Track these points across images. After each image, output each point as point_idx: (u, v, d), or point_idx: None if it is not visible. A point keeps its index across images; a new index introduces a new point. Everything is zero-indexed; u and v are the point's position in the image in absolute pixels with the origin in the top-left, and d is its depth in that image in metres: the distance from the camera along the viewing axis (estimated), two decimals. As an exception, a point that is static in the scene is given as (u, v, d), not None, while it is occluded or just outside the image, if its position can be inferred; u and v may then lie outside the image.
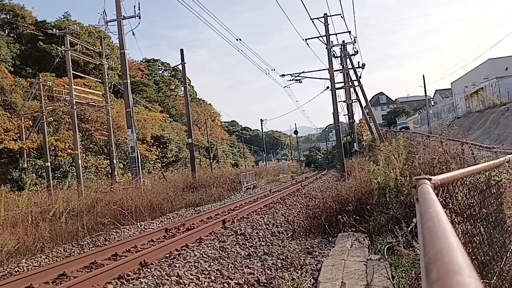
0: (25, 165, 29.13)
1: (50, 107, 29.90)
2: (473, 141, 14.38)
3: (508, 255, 3.64)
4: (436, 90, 73.53)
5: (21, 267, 8.63)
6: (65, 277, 7.46)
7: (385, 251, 6.41)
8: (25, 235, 10.55)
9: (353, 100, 38.62)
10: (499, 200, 3.88)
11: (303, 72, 33.60)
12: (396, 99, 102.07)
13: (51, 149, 29.55)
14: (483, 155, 7.92)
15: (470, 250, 2.87)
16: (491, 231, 3.43)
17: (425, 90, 46.53)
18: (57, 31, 26.29)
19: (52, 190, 18.79)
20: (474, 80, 43.90)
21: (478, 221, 3.24)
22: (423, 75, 46.94)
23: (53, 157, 29.93)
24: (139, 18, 20.38)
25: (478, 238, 3.12)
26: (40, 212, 12.77)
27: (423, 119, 51.48)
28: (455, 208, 2.96)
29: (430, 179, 2.08)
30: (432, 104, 60.60)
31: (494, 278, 3.09)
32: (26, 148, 29.40)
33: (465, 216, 3.12)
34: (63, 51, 25.20)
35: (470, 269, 0.69)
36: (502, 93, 31.81)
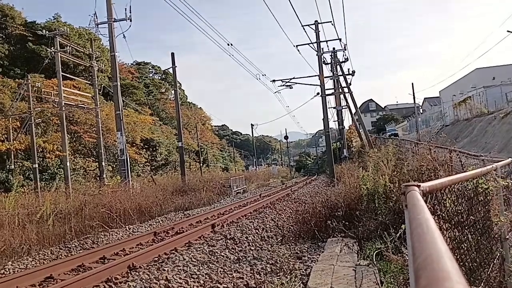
0: (12, 166, 28.75)
1: (39, 108, 29.61)
2: (461, 149, 14.55)
3: (495, 261, 3.69)
4: (425, 98, 74.27)
5: (7, 270, 8.51)
6: (52, 280, 7.38)
7: (374, 257, 6.46)
8: (11, 237, 10.41)
9: (343, 107, 38.82)
10: (486, 207, 3.93)
11: (293, 78, 33.69)
12: (385, 106, 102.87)
13: (39, 150, 29.23)
14: (470, 163, 8.02)
15: (458, 257, 2.90)
16: (479, 238, 3.47)
17: (414, 97, 46.97)
18: (47, 32, 26.09)
19: (40, 192, 18.60)
20: (462, 89, 44.51)
21: (466, 228, 3.29)
22: (412, 83, 47.35)
23: (41, 159, 29.60)
24: (130, 21, 20.32)
25: (465, 245, 3.16)
26: (27, 214, 12.63)
27: (412, 126, 51.96)
28: (443, 214, 3.00)
29: (419, 186, 2.11)
30: (421, 111, 61.23)
31: (482, 284, 3.13)
32: (14, 149, 29.04)
33: (453, 223, 3.16)
34: (53, 53, 24.98)
35: (459, 275, 0.71)
36: (489, 102, 32.27)
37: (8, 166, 28.64)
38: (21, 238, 10.53)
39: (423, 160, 9.13)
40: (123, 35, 21.21)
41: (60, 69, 24.86)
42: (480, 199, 3.83)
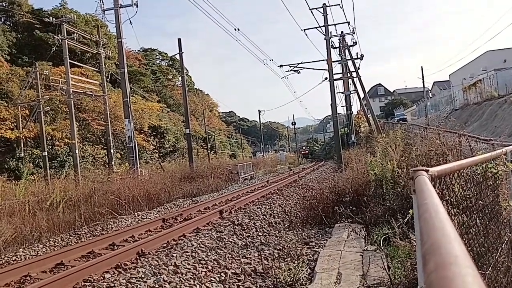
0: (22, 154, 29.06)
1: (47, 96, 29.74)
2: (470, 133, 14.42)
3: (503, 246, 3.66)
4: (434, 82, 73.44)
5: (18, 256, 8.65)
6: (63, 266, 7.49)
7: (381, 242, 6.45)
8: (22, 225, 10.56)
9: (351, 92, 38.55)
10: (495, 192, 3.89)
11: (301, 63, 33.48)
12: (394, 91, 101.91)
13: (48, 138, 29.48)
14: (480, 147, 7.94)
15: (466, 242, 2.88)
16: (487, 222, 3.45)
17: (423, 82, 46.54)
18: (54, 19, 26.04)
19: (49, 180, 18.81)
20: (472, 72, 43.87)
21: (474, 212, 3.26)
22: (422, 67, 46.87)
23: (50, 147, 29.87)
24: (137, 6, 20.21)
25: (474, 230, 3.13)
26: (37, 202, 12.79)
27: (421, 111, 51.54)
28: (451, 200, 2.97)
29: (427, 171, 2.09)
30: (430, 96, 60.63)
31: (489, 269, 3.11)
32: (23, 138, 29.32)
33: (461, 207, 3.13)
34: (60, 40, 24.98)
35: (467, 259, 0.69)
36: (500, 85, 31.82)
37: (18, 154, 28.96)
38: (31, 225, 10.68)
39: (432, 144, 9.05)
40: (130, 21, 21.18)
41: (68, 56, 24.88)
42: (489, 184, 3.79)
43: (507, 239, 3.88)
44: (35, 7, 43.44)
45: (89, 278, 6.52)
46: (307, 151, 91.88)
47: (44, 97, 29.02)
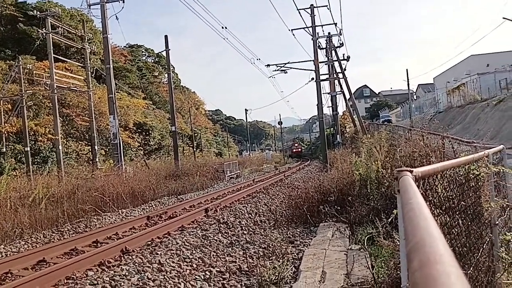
0: (4, 149, 28.51)
1: (30, 91, 29.20)
2: (453, 135, 14.63)
3: (484, 246, 3.74)
4: (419, 85, 74.45)
5: (-1, 253, 8.51)
6: (45, 263, 7.39)
7: (365, 241, 6.53)
8: (3, 221, 10.38)
9: (337, 92, 38.76)
10: (477, 193, 3.97)
11: (288, 63, 33.58)
12: (379, 92, 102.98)
13: (31, 133, 28.97)
14: (463, 150, 8.07)
15: (449, 242, 2.93)
16: (469, 223, 3.51)
17: (408, 84, 47.09)
18: (38, 13, 25.59)
19: (32, 176, 18.48)
20: (456, 75, 44.60)
21: (457, 213, 3.32)
22: (407, 70, 47.50)
23: (33, 142, 29.35)
24: (123, 2, 20.03)
25: (456, 230, 3.19)
26: (19, 198, 12.57)
27: (406, 112, 52.15)
28: (435, 200, 3.02)
29: (411, 171, 2.12)
30: (415, 98, 61.46)
31: (471, 269, 3.17)
32: (5, 132, 28.76)
33: (444, 208, 3.18)
34: (44, 34, 24.56)
35: (451, 258, 0.71)
36: (483, 89, 32.41)
37: (-1, 149, 28.43)
38: (13, 221, 10.50)
39: (416, 146, 9.17)
40: (116, 16, 20.98)
41: (52, 51, 24.47)
42: (471, 185, 3.86)
43: (488, 240, 3.96)
44: (19, 0, 42.63)
45: (72, 276, 6.45)
46: (300, 149, 79.24)
47: (27, 91, 28.48)
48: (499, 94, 28.25)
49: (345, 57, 36.29)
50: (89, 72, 28.33)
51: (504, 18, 26.03)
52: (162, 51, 32.21)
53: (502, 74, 33.42)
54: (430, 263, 0.70)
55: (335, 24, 31.48)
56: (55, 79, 24.87)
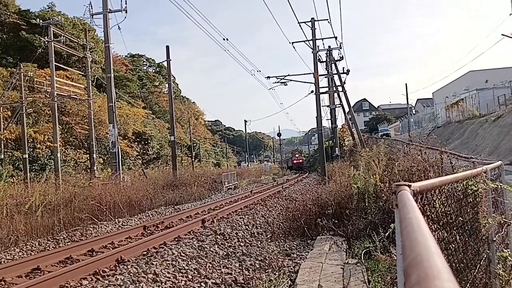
0: (2, 156, 28.44)
1: (30, 98, 29.25)
2: (452, 150, 14.64)
3: (481, 263, 3.72)
4: (418, 99, 74.79)
5: (-7, 260, 8.43)
6: (39, 271, 7.32)
7: (362, 256, 6.48)
8: (-2, 228, 10.31)
9: (337, 105, 38.95)
10: (475, 209, 3.96)
11: (288, 75, 33.72)
12: (378, 106, 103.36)
13: (30, 141, 28.94)
14: (461, 165, 8.08)
15: (446, 257, 2.92)
16: (466, 239, 3.50)
17: (407, 98, 47.38)
18: (41, 21, 25.79)
19: (29, 183, 18.43)
20: (455, 91, 44.84)
21: (454, 229, 3.31)
22: (406, 84, 47.84)
23: (31, 149, 29.31)
24: (126, 12, 20.16)
25: (453, 246, 3.18)
26: (15, 205, 12.51)
27: (404, 127, 52.31)
28: (432, 215, 3.01)
29: (409, 186, 2.12)
30: (414, 112, 61.62)
31: (468, 285, 3.15)
32: (4, 139, 28.73)
33: (442, 223, 3.17)
34: (46, 42, 24.70)
35: (448, 273, 0.71)
36: (481, 104, 32.57)
37: (-3, 155, 28.34)
38: (8, 228, 10.44)
39: (414, 160, 9.17)
40: (118, 26, 21.09)
41: (53, 59, 24.58)
42: (469, 201, 3.86)
43: (485, 256, 3.94)
44: (22, 8, 42.91)
45: (66, 284, 6.39)
46: (301, 160, 73.40)
47: (28, 99, 28.53)
48: (498, 110, 28.38)
49: (345, 71, 36.50)
50: (90, 81, 28.42)
51: (503, 35, 26.26)
52: (163, 61, 32.40)
53: (501, 90, 33.62)
54: (428, 278, 0.70)
55: (335, 37, 31.65)
56: (56, 87, 24.94)
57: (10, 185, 16.77)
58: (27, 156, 27.07)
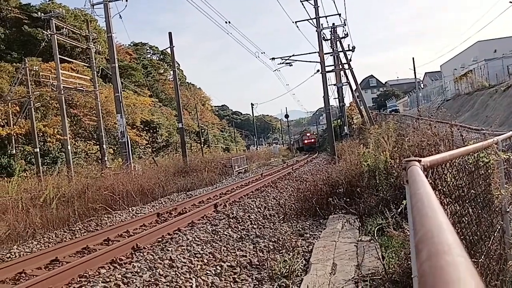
0: (14, 151, 28.81)
1: (37, 92, 29.45)
2: (462, 123, 14.52)
3: (495, 234, 3.71)
4: (426, 73, 73.84)
5: (12, 253, 8.61)
6: (58, 262, 7.47)
7: (375, 233, 6.51)
8: (15, 222, 10.50)
9: (344, 83, 38.63)
10: (487, 181, 3.94)
11: (293, 56, 33.45)
12: (386, 82, 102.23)
13: (40, 134, 29.24)
14: (471, 137, 8.01)
15: (459, 230, 2.92)
16: (479, 211, 3.48)
17: (414, 73, 46.76)
18: (42, 14, 25.72)
19: (42, 176, 18.69)
20: (463, 62, 44.14)
21: (467, 202, 3.29)
22: (413, 58, 47.16)
23: (42, 143, 29.63)
24: (126, 0, 20.03)
25: (466, 219, 3.17)
26: (30, 198, 12.72)
27: (413, 101, 51.78)
28: (444, 189, 3.00)
29: (420, 161, 2.10)
30: (422, 87, 60.96)
31: (482, 257, 3.15)
32: (14, 134, 29.04)
33: (454, 197, 3.16)
34: (49, 35, 24.69)
35: (459, 248, 0.70)
36: (490, 75, 32.04)
37: (9, 151, 28.71)
38: (25, 222, 10.63)
39: (424, 135, 9.11)
40: (119, 15, 20.97)
41: (57, 51, 24.61)
42: (481, 173, 3.83)
43: (499, 227, 3.93)
44: (23, 2, 42.85)
45: (85, 274, 6.51)
46: (313, 140, 67.10)
47: (35, 93, 28.72)
48: (508, 80, 27.91)
49: (350, 48, 36.09)
50: (95, 72, 28.46)
51: (510, 2, 25.65)
52: (166, 48, 32.24)
53: (510, 60, 33.00)
54: (439, 253, 0.70)
55: (339, 14, 31.36)
56: (62, 79, 25.03)
57: (23, 179, 17.05)
58: (38, 150, 27.39)
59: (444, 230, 0.80)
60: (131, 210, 13.30)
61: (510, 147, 5.19)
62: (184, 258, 6.85)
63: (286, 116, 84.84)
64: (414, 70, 46.05)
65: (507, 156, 4.54)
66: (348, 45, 40.89)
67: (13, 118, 29.84)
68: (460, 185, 3.26)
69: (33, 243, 9.47)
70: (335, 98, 44.31)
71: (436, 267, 0.65)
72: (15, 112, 30.13)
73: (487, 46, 44.19)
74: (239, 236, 8.26)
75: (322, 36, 29.61)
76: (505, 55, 35.45)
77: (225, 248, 7.31)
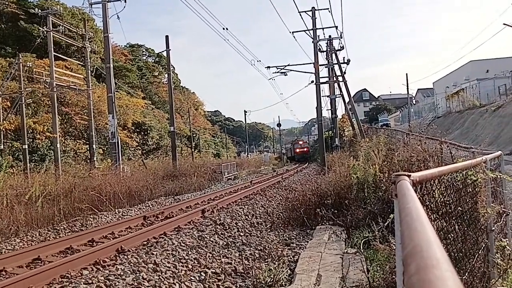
0: (2, 146, 28.44)
1: (30, 89, 29.18)
2: (451, 140, 14.63)
3: (480, 252, 3.73)
4: (418, 89, 74.69)
5: (-6, 250, 8.47)
6: (40, 261, 7.36)
7: (361, 245, 6.51)
8: (-1, 218, 10.34)
9: (337, 95, 38.84)
10: (474, 199, 3.96)
11: (288, 65, 33.61)
12: (378, 96, 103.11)
13: (29, 131, 28.92)
14: (460, 155, 8.08)
15: (445, 247, 2.93)
16: (465, 228, 3.50)
17: (407, 88, 47.24)
18: (39, 11, 25.58)
19: (29, 173, 18.44)
20: (455, 80, 44.70)
21: (453, 218, 3.31)
22: (406, 74, 47.63)
23: (31, 140, 29.31)
24: (125, 1, 20.01)
25: (452, 235, 3.18)
26: (15, 195, 12.53)
27: (404, 117, 52.26)
28: (431, 205, 3.01)
29: (409, 176, 2.11)
30: (414, 102, 61.55)
31: (466, 274, 3.17)
32: (3, 130, 28.71)
33: (441, 213, 3.18)
34: (45, 32, 24.54)
35: (447, 263, 0.70)
36: (482, 94, 32.52)
37: (-3, 146, 28.34)
38: (9, 219, 10.47)
39: (414, 150, 9.17)
40: (117, 16, 20.93)
41: (52, 49, 24.46)
42: (468, 191, 3.86)
43: (484, 246, 3.95)
44: (20, -2, 42.56)
45: (67, 274, 6.42)
46: (305, 149, 63.25)
47: (27, 89, 28.45)
48: (498, 100, 28.32)
49: (345, 61, 36.33)
50: (89, 71, 28.31)
51: (504, 24, 26.09)
52: (162, 51, 32.24)
53: (502, 80, 33.50)
54: (427, 267, 0.69)
55: (336, 27, 31.47)
56: (55, 77, 24.85)
57: (10, 175, 16.80)
58: (26, 147, 27.07)
59: (432, 245, 0.80)
60: (117, 212, 13.19)
61: (498, 166, 5.25)
62: (168, 262, 6.80)
63: (279, 125, 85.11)
64: (407, 85, 46.57)
65: (495, 175, 4.59)
66: (343, 57, 41.11)
67: (3, 113, 29.52)
68: (447, 202, 3.28)
69: (16, 241, 9.33)
70: (328, 110, 44.52)
71: (425, 281, 0.64)
72: (5, 107, 29.81)
73: (479, 66, 44.83)
74: (225, 243, 8.22)
75: (318, 48, 29.81)
76: (497, 75, 36.00)
77: (211, 255, 7.27)
